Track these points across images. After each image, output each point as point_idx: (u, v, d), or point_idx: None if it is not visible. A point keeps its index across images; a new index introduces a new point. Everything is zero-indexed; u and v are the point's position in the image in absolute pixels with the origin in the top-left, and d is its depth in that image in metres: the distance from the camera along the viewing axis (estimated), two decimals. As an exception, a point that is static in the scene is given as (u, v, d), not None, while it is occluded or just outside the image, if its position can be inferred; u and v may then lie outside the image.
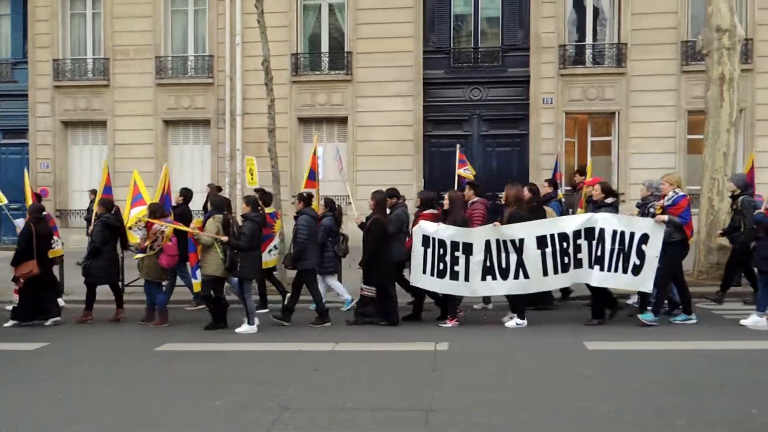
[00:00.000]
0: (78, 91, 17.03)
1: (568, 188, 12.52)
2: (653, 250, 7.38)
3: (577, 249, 7.62)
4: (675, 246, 7.55)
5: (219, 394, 5.40)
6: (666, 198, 7.64)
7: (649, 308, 7.67)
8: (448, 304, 8.11)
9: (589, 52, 16.30)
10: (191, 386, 5.76)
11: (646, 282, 7.49)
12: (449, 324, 7.89)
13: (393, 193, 8.92)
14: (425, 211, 8.26)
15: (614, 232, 7.50)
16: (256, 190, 10.06)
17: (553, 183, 9.96)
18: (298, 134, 16.78)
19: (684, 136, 15.57)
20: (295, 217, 8.49)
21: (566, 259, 7.66)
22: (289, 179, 15.73)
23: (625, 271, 7.47)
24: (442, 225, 7.95)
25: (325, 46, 16.94)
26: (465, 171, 11.60)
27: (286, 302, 8.62)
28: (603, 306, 7.91)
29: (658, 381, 5.44)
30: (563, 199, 9.14)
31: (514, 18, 16.38)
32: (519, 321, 7.81)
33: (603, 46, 16.28)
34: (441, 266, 7.88)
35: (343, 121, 16.70)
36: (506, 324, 7.86)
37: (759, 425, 4.34)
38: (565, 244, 7.63)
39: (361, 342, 7.33)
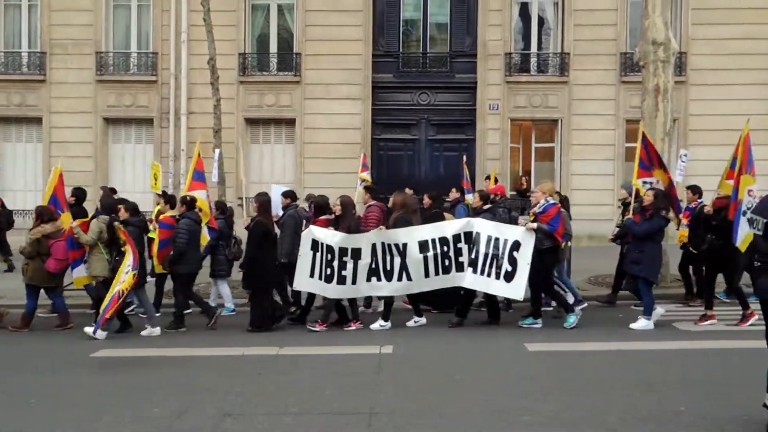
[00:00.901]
0: (12, 86, 16.32)
1: (513, 193, 12.81)
2: (524, 258, 7.58)
3: (458, 252, 7.84)
4: (547, 253, 7.77)
5: (157, 401, 5.27)
6: (537, 206, 7.88)
7: (571, 312, 7.86)
8: (351, 308, 8.22)
9: (533, 60, 16.72)
10: (128, 394, 5.59)
11: (518, 289, 7.68)
12: (353, 327, 7.95)
13: (289, 194, 9.01)
14: (320, 217, 8.28)
15: (489, 237, 7.74)
16: (161, 194, 9.87)
17: (460, 189, 10.13)
18: (245, 135, 16.56)
19: (622, 143, 16.15)
20: (177, 220, 8.29)
21: (447, 262, 7.88)
22: (234, 181, 15.49)
23: (497, 277, 7.69)
24: (332, 231, 7.99)
25: (273, 47, 16.80)
26: (366, 175, 11.72)
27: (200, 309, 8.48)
28: (497, 309, 8.15)
29: (594, 381, 5.63)
30: (470, 204, 9.35)
31: (462, 25, 16.65)
32: (417, 319, 8.11)
33: (547, 55, 16.73)
34: (329, 271, 7.90)
35: (291, 122, 16.59)
36: (407, 323, 8.07)
37: (686, 421, 4.53)
38: (445, 248, 7.86)
39: (305, 346, 7.28)
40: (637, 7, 12.63)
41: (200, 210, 8.68)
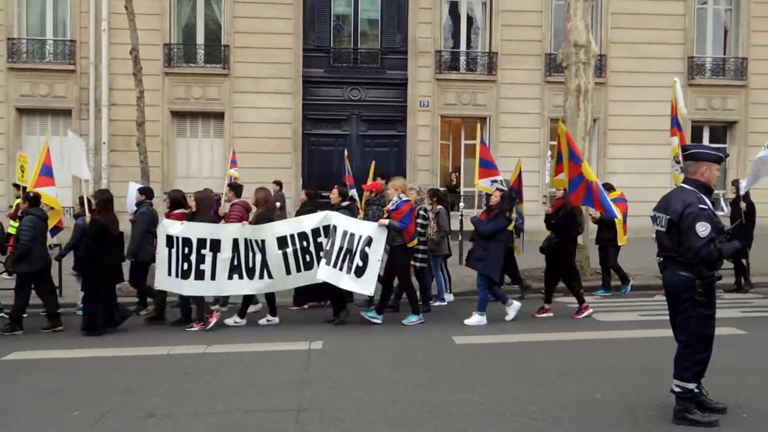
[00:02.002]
0: None
1: (443, 188, 13.02)
2: (375, 254, 7.63)
3: (319, 247, 7.83)
4: (399, 249, 7.84)
5: (76, 404, 5.05)
6: (391, 203, 7.93)
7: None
8: (198, 309, 8.00)
9: (463, 58, 17.06)
10: (44, 397, 5.33)
11: (367, 285, 7.67)
12: (196, 328, 7.78)
13: (144, 191, 8.89)
14: (175, 211, 8.15)
15: (345, 232, 7.74)
16: (17, 187, 9.63)
17: (342, 185, 9.84)
18: (171, 128, 16.09)
19: (547, 142, 16.73)
20: (20, 218, 8.04)
21: (308, 258, 7.85)
22: (160, 175, 15.03)
23: (349, 271, 7.65)
24: (189, 223, 7.82)
25: (200, 38, 16.38)
26: (234, 171, 11.60)
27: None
28: (342, 304, 8.05)
29: (518, 371, 5.82)
30: (355, 200, 9.45)
31: (393, 21, 16.77)
32: (270, 318, 8.08)
33: (476, 54, 17.10)
34: (185, 266, 7.70)
35: (219, 116, 16.24)
36: (226, 321, 8.00)
37: (602, 407, 4.76)
38: (305, 243, 7.83)
39: (233, 343, 7.15)
40: (561, 9, 13.09)
41: (51, 208, 8.47)
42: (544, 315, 8.21)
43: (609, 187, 9.91)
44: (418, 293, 8.31)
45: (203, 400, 5.13)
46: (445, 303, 9.14)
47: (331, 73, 16.63)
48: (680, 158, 8.65)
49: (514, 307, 7.97)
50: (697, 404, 4.44)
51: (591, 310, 8.17)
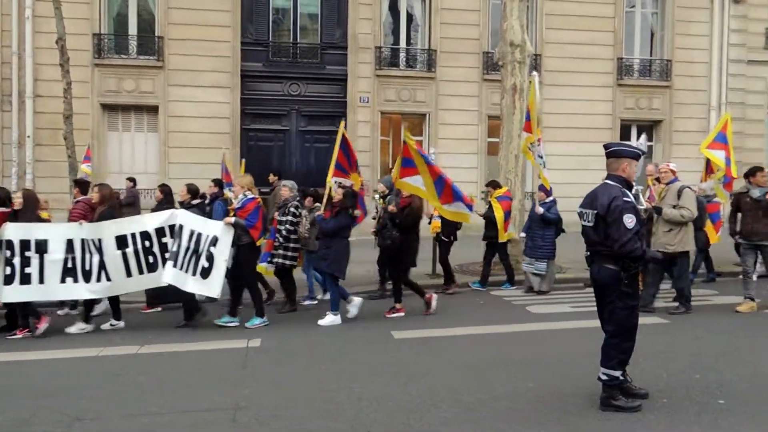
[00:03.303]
0: None
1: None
2: (221, 254, 7.30)
3: (164, 248, 7.41)
4: (245, 249, 7.52)
5: (-4, 409, 4.81)
6: (237, 200, 7.68)
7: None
8: (22, 315, 7.36)
9: (402, 55, 17.15)
10: (-39, 404, 5.05)
11: (213, 287, 7.33)
12: (19, 335, 7.23)
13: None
14: None
15: (191, 232, 7.37)
16: None
17: (218, 183, 9.84)
18: (101, 122, 15.49)
19: (485, 138, 17.07)
20: None
21: (151, 259, 7.42)
22: (91, 170, 14.44)
23: (194, 273, 7.31)
24: (10, 224, 7.22)
25: (133, 29, 15.84)
26: (87, 167, 11.32)
27: None
28: (192, 309, 7.78)
29: (455, 363, 5.92)
30: (230, 198, 8.95)
31: (332, 16, 16.68)
32: (114, 322, 7.64)
33: (415, 51, 17.23)
34: (8, 270, 7.15)
35: (153, 110, 15.77)
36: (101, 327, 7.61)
37: (535, 397, 4.90)
38: (147, 243, 7.39)
39: (168, 343, 6.97)
40: (499, 9, 13.35)
41: None
42: (395, 315, 8.01)
43: (495, 185, 10.18)
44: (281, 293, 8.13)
45: (134, 402, 4.99)
46: (316, 302, 8.88)
47: (270, 68, 16.40)
48: (541, 152, 10.12)
49: (355, 304, 7.89)
50: (622, 390, 4.64)
51: (403, 313, 8.00)
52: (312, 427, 4.41)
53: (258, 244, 7.74)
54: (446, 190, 8.20)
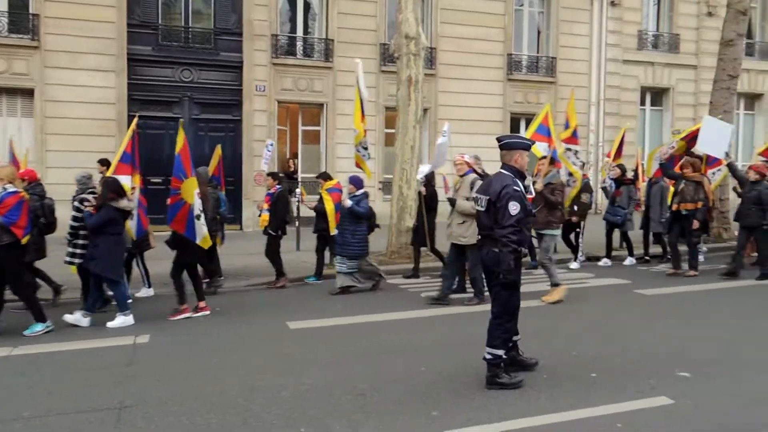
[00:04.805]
0: None
1: (282, 175, 12.89)
2: None
3: None
4: (5, 249, 6.62)
5: None
6: None
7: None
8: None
9: (300, 44, 16.95)
10: None
11: None
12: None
13: None
14: None
15: None
16: None
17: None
18: (-33, 105, 14.15)
19: (382, 129, 17.27)
20: None
21: None
22: (-45, 158, 13.17)
23: None
24: None
25: (3, 5, 14.56)
26: None
27: None
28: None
29: (350, 352, 5.98)
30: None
31: (226, 1, 16.19)
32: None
33: (313, 40, 17.08)
34: None
35: (28, 93, 14.61)
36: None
37: (427, 380, 5.05)
38: None
39: (45, 343, 6.52)
40: (395, 1, 13.50)
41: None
42: (180, 317, 7.51)
43: (326, 176, 9.95)
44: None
45: (6, 406, 4.64)
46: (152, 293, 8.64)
47: (159, 52, 15.65)
48: (366, 144, 10.91)
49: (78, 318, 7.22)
50: (513, 362, 4.99)
51: (188, 314, 7.55)
52: (201, 421, 4.31)
53: (23, 242, 6.79)
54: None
